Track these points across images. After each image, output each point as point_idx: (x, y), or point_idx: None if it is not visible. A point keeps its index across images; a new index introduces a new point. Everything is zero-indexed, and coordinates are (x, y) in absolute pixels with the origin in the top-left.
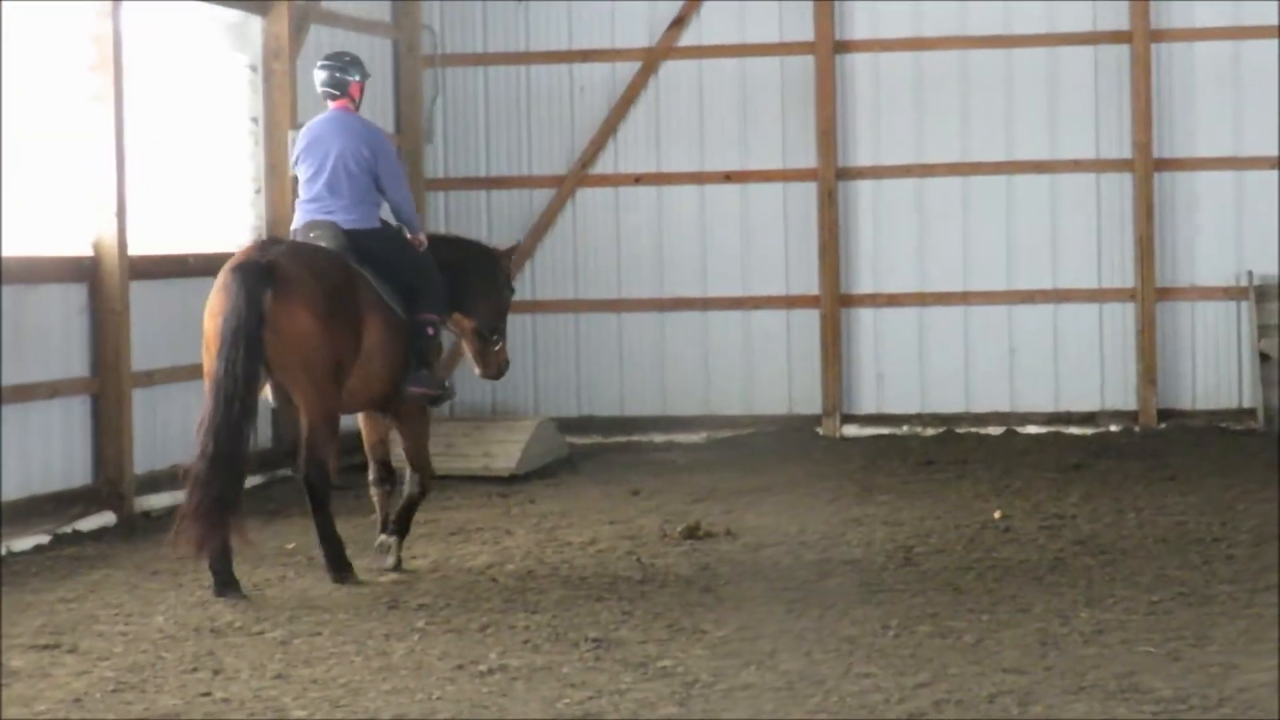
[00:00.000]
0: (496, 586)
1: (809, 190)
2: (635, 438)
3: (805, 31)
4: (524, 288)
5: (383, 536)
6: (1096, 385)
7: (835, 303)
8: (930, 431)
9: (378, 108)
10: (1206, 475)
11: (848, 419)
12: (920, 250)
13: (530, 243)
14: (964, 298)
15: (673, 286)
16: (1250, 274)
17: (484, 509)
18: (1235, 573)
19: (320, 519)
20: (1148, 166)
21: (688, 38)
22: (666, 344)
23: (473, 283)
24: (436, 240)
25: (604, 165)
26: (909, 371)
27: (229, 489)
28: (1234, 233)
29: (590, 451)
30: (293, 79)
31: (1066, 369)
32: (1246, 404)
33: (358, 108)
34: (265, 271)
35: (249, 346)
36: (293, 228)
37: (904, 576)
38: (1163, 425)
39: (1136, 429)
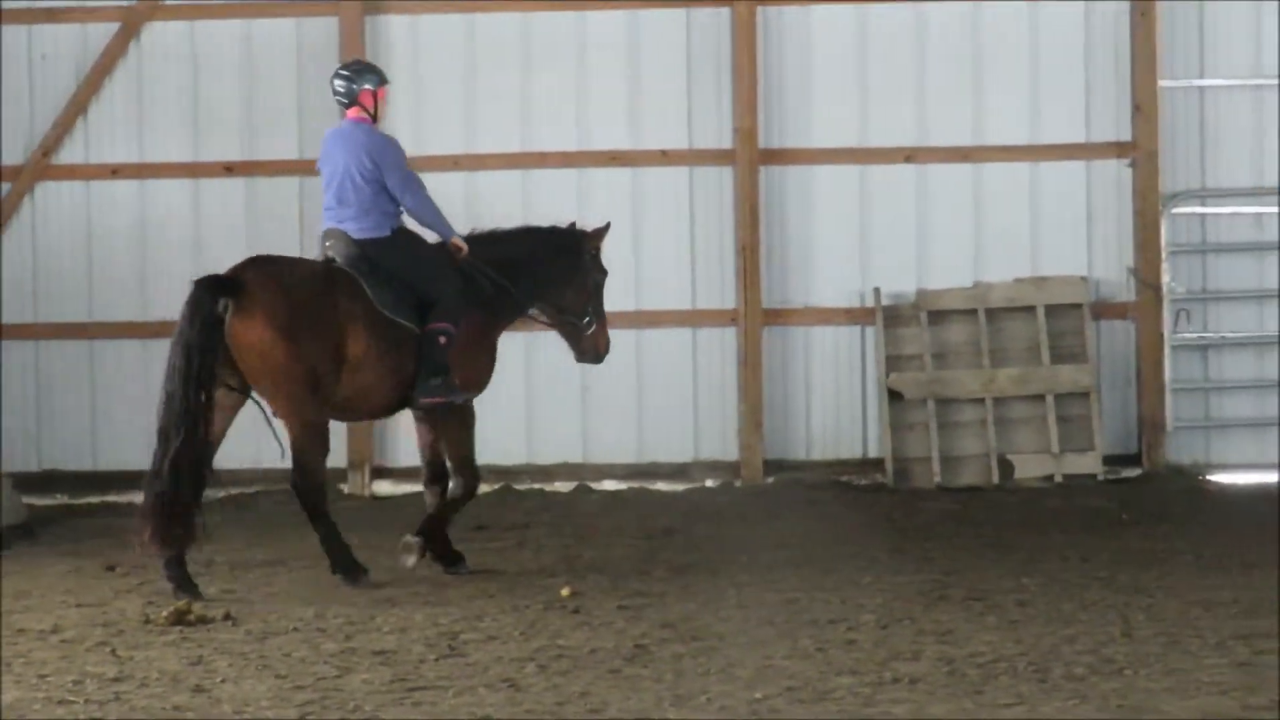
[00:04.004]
0: None
1: None
2: (112, 498)
3: None
4: None
5: (408, 537)
6: (689, 430)
7: None
8: (483, 488)
9: None
10: (824, 543)
11: (380, 473)
12: None
13: None
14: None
15: (161, 307)
16: (878, 292)
17: None
18: (857, 662)
19: (318, 523)
20: (752, 158)
21: None
22: (152, 379)
23: (555, 269)
24: (512, 235)
25: (72, 154)
26: None
27: (183, 490)
28: (858, 241)
29: (54, 516)
30: None
31: (652, 410)
32: (873, 454)
33: (374, 116)
34: (221, 284)
35: (187, 351)
36: (318, 232)
37: (447, 670)
38: (771, 480)
39: (738, 484)
